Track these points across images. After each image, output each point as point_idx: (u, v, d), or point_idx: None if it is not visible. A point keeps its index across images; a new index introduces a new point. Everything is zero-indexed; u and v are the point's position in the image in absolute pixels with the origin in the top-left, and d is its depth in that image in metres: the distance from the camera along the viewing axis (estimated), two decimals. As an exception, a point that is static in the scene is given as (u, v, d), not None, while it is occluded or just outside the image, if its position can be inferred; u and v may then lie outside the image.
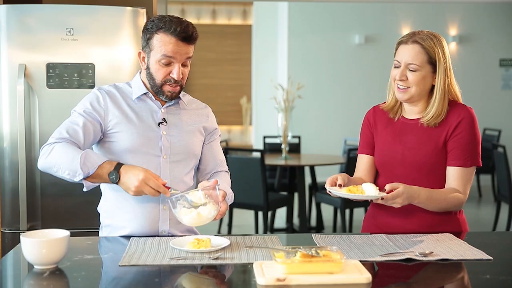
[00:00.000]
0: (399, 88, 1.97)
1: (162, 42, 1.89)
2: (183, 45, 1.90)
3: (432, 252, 1.67)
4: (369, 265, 1.57)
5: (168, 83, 1.94)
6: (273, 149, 6.05)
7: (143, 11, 2.75)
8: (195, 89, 9.53)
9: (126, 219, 1.97)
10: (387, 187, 1.81)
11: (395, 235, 1.87)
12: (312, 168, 5.40)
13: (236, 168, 4.70)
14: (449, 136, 1.97)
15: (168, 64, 1.91)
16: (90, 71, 2.70)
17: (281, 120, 5.43)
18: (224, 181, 2.05)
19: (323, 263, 1.43)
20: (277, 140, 5.76)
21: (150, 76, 1.95)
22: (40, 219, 2.69)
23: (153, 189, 1.76)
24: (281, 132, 5.43)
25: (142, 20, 2.73)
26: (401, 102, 2.06)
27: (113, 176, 1.79)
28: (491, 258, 1.63)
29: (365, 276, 1.42)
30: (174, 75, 1.92)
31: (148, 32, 1.93)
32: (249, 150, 5.23)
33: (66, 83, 2.69)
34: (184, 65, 1.94)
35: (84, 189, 1.87)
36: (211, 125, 2.12)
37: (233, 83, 9.87)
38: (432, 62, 1.94)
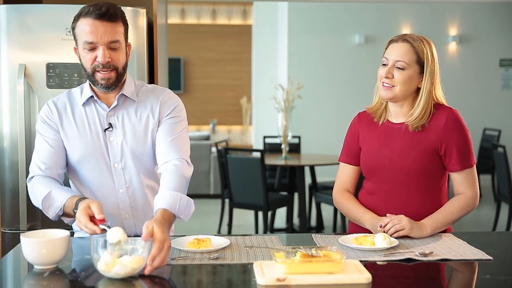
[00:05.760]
0: (384, 85, 1.98)
1: (82, 27, 1.84)
2: (101, 24, 1.82)
3: (432, 252, 1.67)
4: (369, 265, 1.57)
5: (97, 70, 1.85)
6: (273, 149, 6.05)
7: (143, 11, 2.75)
8: (195, 89, 9.52)
9: None
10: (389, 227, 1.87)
11: (394, 234, 1.87)
12: (312, 168, 5.40)
13: (236, 168, 4.70)
14: (439, 141, 1.96)
15: (93, 49, 1.84)
16: (90, 71, 2.69)
17: (281, 120, 5.42)
18: (169, 188, 1.79)
19: (323, 263, 1.44)
20: (277, 140, 5.76)
21: (83, 67, 1.90)
22: (40, 219, 2.69)
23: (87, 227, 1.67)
24: (281, 132, 5.43)
25: (142, 20, 2.73)
26: (386, 105, 2.06)
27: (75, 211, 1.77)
28: (491, 258, 1.63)
29: (365, 276, 1.42)
30: (99, 58, 1.83)
31: (72, 24, 1.89)
32: (249, 150, 5.22)
33: (66, 83, 2.69)
34: (112, 48, 1.85)
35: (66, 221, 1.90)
36: (162, 110, 1.95)
37: (233, 83, 9.86)
38: (420, 63, 1.95)
